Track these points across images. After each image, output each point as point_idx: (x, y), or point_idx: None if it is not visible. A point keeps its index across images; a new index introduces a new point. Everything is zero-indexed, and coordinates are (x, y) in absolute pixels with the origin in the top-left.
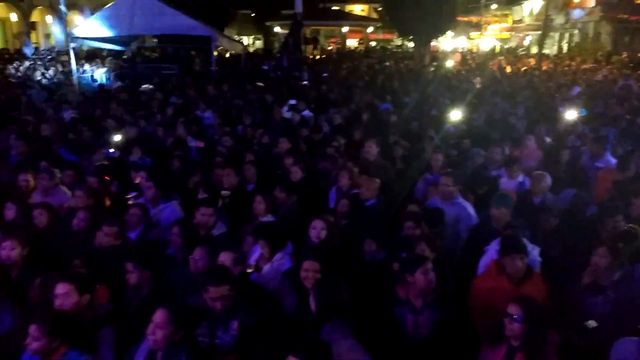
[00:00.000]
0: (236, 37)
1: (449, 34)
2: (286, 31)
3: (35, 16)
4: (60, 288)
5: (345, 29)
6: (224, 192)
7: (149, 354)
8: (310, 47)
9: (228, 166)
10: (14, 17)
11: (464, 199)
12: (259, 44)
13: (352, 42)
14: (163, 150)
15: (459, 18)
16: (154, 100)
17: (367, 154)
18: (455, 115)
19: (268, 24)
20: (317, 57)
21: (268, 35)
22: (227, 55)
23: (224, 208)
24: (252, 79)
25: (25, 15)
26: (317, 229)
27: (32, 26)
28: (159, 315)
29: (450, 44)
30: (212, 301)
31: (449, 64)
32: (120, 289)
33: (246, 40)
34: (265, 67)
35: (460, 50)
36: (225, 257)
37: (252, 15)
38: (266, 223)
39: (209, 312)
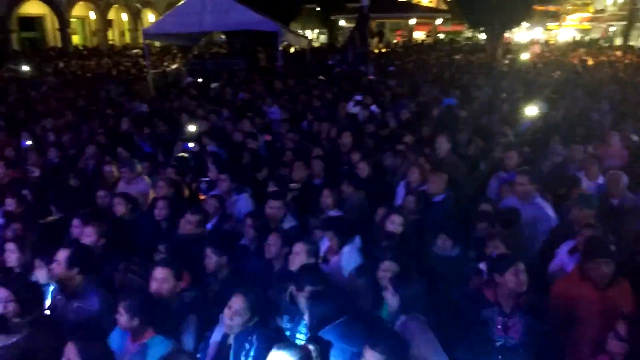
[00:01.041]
0: (300, 32)
1: (524, 24)
2: (351, 25)
3: (111, 14)
4: (159, 273)
5: (412, 21)
6: (293, 185)
7: (223, 337)
8: (375, 41)
9: (296, 160)
10: (92, 15)
11: (543, 199)
12: (323, 38)
13: (419, 35)
14: (233, 144)
15: (536, 7)
16: (223, 95)
17: (437, 149)
18: (531, 110)
19: (333, 17)
20: (383, 50)
21: (332, 29)
22: (292, 50)
23: (293, 201)
24: (316, 73)
25: (102, 13)
26: (396, 224)
27: (109, 24)
28: (235, 301)
29: (525, 35)
30: (306, 300)
31: (525, 56)
32: (201, 276)
33: (310, 34)
34: (331, 62)
35: (538, 42)
36: (299, 248)
37: (317, 9)
38: (334, 217)
39: (287, 304)
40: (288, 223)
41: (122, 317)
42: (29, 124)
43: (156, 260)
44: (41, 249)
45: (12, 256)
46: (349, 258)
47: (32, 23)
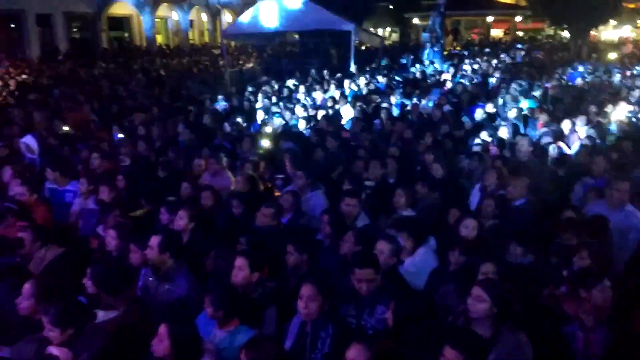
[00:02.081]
0: (371, 30)
1: (611, 22)
2: (425, 23)
3: (192, 14)
4: (238, 261)
5: (490, 19)
6: (368, 183)
7: (301, 327)
8: (450, 39)
9: (371, 159)
10: (175, 15)
11: (634, 207)
12: (395, 36)
13: (496, 32)
14: (305, 142)
15: (625, 4)
16: (297, 94)
17: (518, 152)
18: (619, 113)
19: (406, 15)
20: (458, 48)
21: (406, 27)
22: (363, 48)
23: (367, 200)
24: (389, 72)
25: (185, 13)
26: (469, 228)
27: (190, 24)
28: (306, 289)
29: (612, 33)
30: (357, 283)
31: (612, 56)
32: (279, 268)
33: (381, 32)
34: (404, 61)
35: (629, 40)
36: (383, 246)
37: (390, 7)
38: (408, 217)
39: (355, 294)
40: (362, 221)
41: (209, 309)
42: (120, 118)
43: (238, 250)
44: (135, 236)
45: (112, 242)
46: (424, 259)
47: (120, 23)
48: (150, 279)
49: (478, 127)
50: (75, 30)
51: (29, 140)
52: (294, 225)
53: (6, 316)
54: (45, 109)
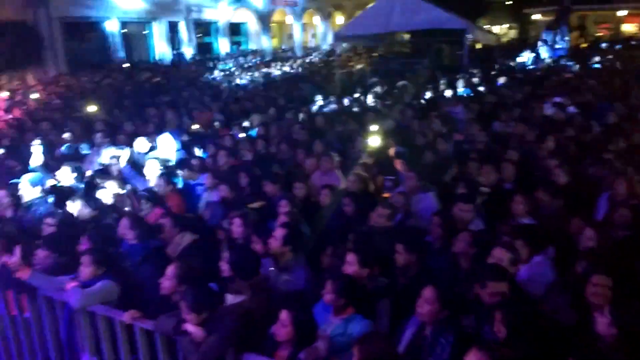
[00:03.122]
0: (486, 27)
1: None
2: (547, 18)
3: (305, 18)
4: (348, 257)
5: (621, 13)
6: (483, 189)
7: (419, 328)
8: (575, 35)
9: (485, 163)
10: (288, 20)
11: None
12: (512, 33)
13: (628, 28)
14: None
15: None
16: (406, 94)
17: None
18: None
19: (526, 11)
20: (584, 45)
21: (525, 23)
22: (477, 46)
23: (481, 205)
24: (506, 72)
25: (298, 17)
26: (593, 240)
27: (303, 27)
28: (427, 292)
29: None
30: (489, 296)
31: None
32: (390, 267)
33: (497, 30)
34: (524, 59)
35: None
36: (502, 254)
37: (507, 3)
38: (526, 225)
39: (477, 305)
40: (475, 227)
41: (330, 295)
42: (239, 119)
43: (348, 246)
44: (257, 226)
45: (238, 230)
46: (538, 269)
47: (239, 29)
48: (271, 268)
49: (609, 131)
50: (199, 36)
51: (167, 137)
52: (403, 226)
53: (150, 293)
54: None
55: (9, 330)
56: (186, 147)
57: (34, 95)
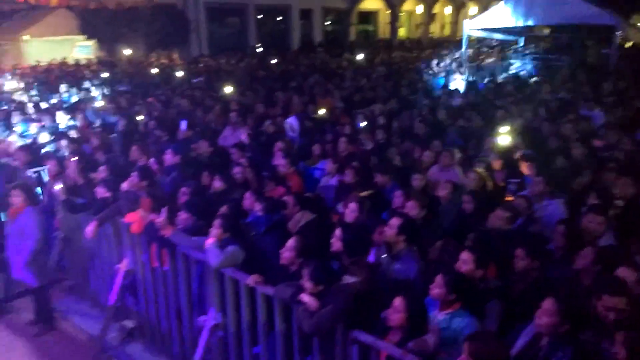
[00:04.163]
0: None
1: None
2: None
3: (436, 8)
4: (464, 255)
5: None
6: (617, 202)
7: (534, 337)
8: None
9: (624, 174)
10: (419, 9)
11: None
12: None
13: None
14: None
15: None
16: (538, 94)
17: None
18: None
19: None
20: None
21: None
22: (627, 45)
23: (616, 218)
24: None
25: (429, 7)
26: None
27: (432, 17)
28: (548, 303)
29: None
30: (604, 310)
31: None
32: (507, 270)
33: None
34: None
35: None
36: (627, 274)
37: None
38: None
39: (597, 320)
40: (605, 241)
41: (438, 289)
42: (361, 107)
43: (465, 245)
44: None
45: (352, 214)
46: None
47: (368, 17)
48: (383, 256)
49: None
50: (328, 23)
51: (292, 120)
52: (525, 231)
53: (272, 262)
54: (301, 94)
55: (149, 280)
56: (308, 132)
57: (179, 73)
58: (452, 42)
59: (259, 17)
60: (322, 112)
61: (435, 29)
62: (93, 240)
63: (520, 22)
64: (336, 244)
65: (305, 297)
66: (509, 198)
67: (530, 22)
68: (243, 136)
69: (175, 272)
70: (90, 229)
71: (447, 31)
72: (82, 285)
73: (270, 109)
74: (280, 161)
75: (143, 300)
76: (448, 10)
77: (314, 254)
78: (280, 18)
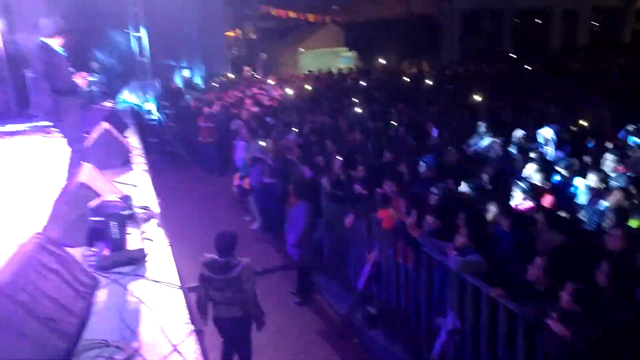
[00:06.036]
0: None
1: None
2: None
3: None
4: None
5: None
6: None
7: None
8: None
9: None
10: None
11: None
12: None
13: None
14: None
15: None
16: None
17: None
18: None
19: None
20: None
21: None
22: None
23: None
24: None
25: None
26: None
27: None
28: None
29: None
30: None
31: None
32: None
33: None
34: None
35: None
36: None
37: None
38: None
39: None
40: None
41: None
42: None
43: None
44: None
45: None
46: None
47: None
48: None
49: None
50: (597, 24)
51: (546, 131)
52: None
53: (516, 278)
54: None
55: (392, 273)
56: (567, 145)
57: (429, 81)
58: None
59: (515, 20)
60: (583, 122)
61: None
62: (350, 229)
63: None
64: (602, 278)
65: (552, 324)
66: None
67: None
68: (496, 145)
69: (418, 270)
70: (348, 220)
71: None
72: (338, 268)
73: (522, 117)
74: (533, 175)
75: (385, 290)
76: None
77: (566, 277)
78: (539, 21)
